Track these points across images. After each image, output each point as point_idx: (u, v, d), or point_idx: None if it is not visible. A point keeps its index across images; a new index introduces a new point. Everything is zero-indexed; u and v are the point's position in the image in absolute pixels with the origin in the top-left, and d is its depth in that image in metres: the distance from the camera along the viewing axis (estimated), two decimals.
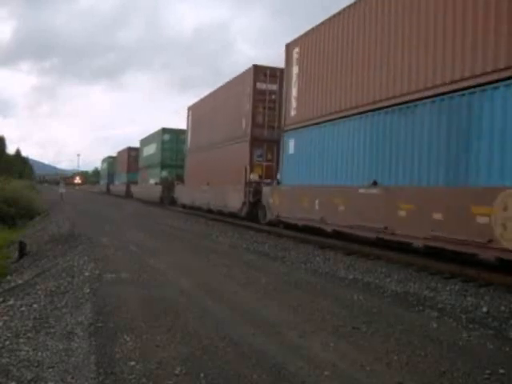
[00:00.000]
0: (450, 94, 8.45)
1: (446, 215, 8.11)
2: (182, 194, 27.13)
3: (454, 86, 8.36)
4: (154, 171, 35.37)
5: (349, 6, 11.67)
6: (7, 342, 4.49)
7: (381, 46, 10.46)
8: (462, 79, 8.22)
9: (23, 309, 5.73)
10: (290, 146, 14.39)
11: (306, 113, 13.49)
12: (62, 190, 41.58)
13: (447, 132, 8.49)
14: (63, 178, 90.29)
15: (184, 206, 26.75)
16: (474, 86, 7.96)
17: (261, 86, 17.54)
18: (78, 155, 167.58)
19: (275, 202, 14.98)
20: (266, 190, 16.03)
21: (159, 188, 31.86)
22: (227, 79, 21.70)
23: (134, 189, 42.65)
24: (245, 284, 7.28)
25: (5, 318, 5.39)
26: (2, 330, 4.91)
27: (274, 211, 15.09)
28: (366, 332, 4.97)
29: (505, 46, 7.45)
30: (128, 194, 43.58)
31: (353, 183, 11.15)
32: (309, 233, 13.24)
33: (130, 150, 47.13)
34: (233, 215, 19.01)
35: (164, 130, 34.13)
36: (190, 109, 26.85)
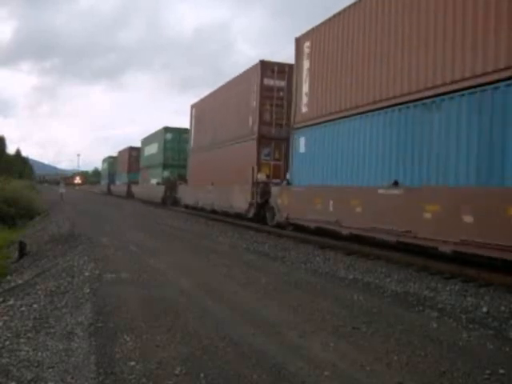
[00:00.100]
0: (483, 87, 7.78)
1: (478, 217, 7.49)
2: (185, 194, 26.48)
3: (487, 79, 7.68)
4: (156, 171, 34.80)
5: None
6: (7, 342, 4.49)
7: (396, 38, 9.82)
8: (494, 71, 7.53)
9: (23, 309, 5.73)
10: (301, 144, 13.70)
11: (319, 109, 12.81)
12: (61, 190, 41.60)
13: (478, 128, 7.85)
14: (63, 178, 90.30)
15: (187, 207, 26.15)
16: (510, 78, 7.32)
17: (268, 82, 16.89)
18: (78, 155, 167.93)
19: (285, 203, 14.35)
20: (274, 190, 15.36)
21: (161, 188, 31.28)
22: (228, 79, 21.39)
23: (135, 189, 42.23)
24: (245, 284, 7.28)
25: (5, 317, 5.39)
26: (2, 329, 4.92)
27: (283, 212, 14.43)
28: (365, 332, 4.97)
29: None
30: (129, 195, 43.17)
31: (370, 183, 10.53)
32: (322, 235, 12.68)
33: (131, 149, 46.71)
34: (239, 216, 18.36)
35: (166, 129, 33.50)
36: (193, 107, 26.11)
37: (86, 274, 7.69)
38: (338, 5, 13.61)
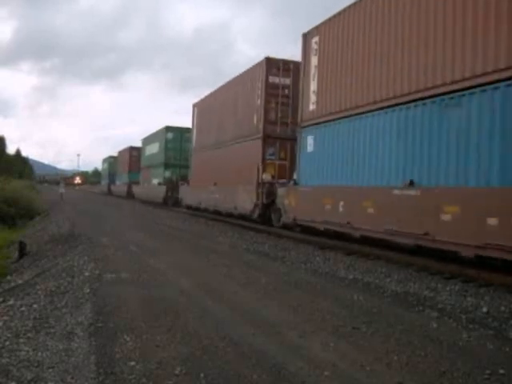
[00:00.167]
0: (507, 82, 7.40)
1: (504, 220, 7.08)
2: (187, 194, 25.94)
3: (510, 73, 7.30)
4: (157, 171, 34.34)
5: None
6: (7, 342, 4.49)
7: (418, 28, 9.27)
8: None
9: (23, 309, 5.73)
10: (309, 143, 13.22)
11: (328, 107, 12.36)
12: (61, 190, 41.62)
13: (501, 125, 7.47)
14: (63, 178, 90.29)
15: (189, 208, 25.58)
16: None
17: (273, 79, 16.44)
18: (78, 155, 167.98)
19: (292, 204, 13.85)
20: (281, 190, 14.91)
21: (163, 188, 30.88)
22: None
23: (135, 189, 41.83)
24: (245, 284, 7.28)
25: (5, 318, 5.39)
26: (2, 330, 4.92)
27: (290, 214, 13.98)
28: (365, 332, 4.97)
29: None
30: (129, 195, 42.79)
31: (384, 183, 10.04)
32: (332, 238, 12.28)
33: (131, 149, 46.35)
34: (243, 217, 17.86)
35: (167, 129, 33.00)
36: (195, 106, 25.55)
37: (86, 273, 7.69)
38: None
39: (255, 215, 16.51)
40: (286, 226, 14.76)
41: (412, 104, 9.39)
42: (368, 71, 10.90)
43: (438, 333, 5.04)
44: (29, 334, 4.72)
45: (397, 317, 5.64)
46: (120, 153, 54.15)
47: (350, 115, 11.43)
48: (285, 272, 8.51)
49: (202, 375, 3.76)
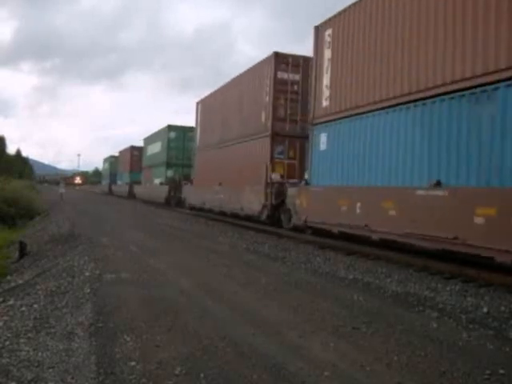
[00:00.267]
0: None
1: None
2: (191, 194, 25.14)
3: None
4: (159, 171, 33.85)
5: None
6: (7, 342, 4.50)
7: (445, 18, 8.61)
8: None
9: (23, 309, 5.74)
10: (322, 141, 12.53)
11: (343, 103, 11.69)
12: (61, 190, 41.62)
13: None
14: (63, 178, 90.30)
15: (192, 208, 24.77)
16: None
17: (282, 75, 15.78)
18: (78, 155, 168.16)
19: (303, 205, 13.11)
20: (291, 191, 14.22)
21: (165, 188, 30.22)
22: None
23: (137, 189, 41.25)
24: (245, 284, 7.28)
25: (5, 318, 5.40)
26: (3, 330, 4.92)
27: (301, 215, 13.22)
28: (366, 332, 4.98)
29: None
30: (131, 195, 42.35)
31: (406, 183, 9.38)
32: (348, 240, 11.60)
33: (132, 148, 46.02)
34: (250, 219, 17.15)
35: (170, 127, 32.47)
36: (199, 103, 24.84)
37: (87, 274, 7.69)
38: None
39: (263, 216, 15.83)
40: (296, 228, 14.13)
41: (438, 98, 8.72)
42: (382, 66, 10.29)
43: (438, 333, 5.04)
44: (29, 334, 4.73)
45: (397, 317, 5.64)
46: (121, 152, 53.81)
47: (369, 111, 10.70)
48: (285, 272, 8.51)
49: (201, 375, 3.76)
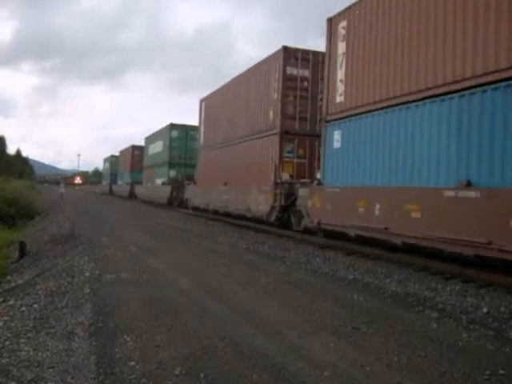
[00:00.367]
0: None
1: None
2: (194, 195, 24.40)
3: None
4: (161, 170, 33.23)
5: None
6: (7, 342, 4.50)
7: (475, 3, 7.95)
8: None
9: (23, 309, 5.74)
10: (335, 138, 11.90)
11: (359, 98, 11.08)
12: (61, 190, 41.62)
13: None
14: (63, 178, 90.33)
15: (196, 209, 24.01)
16: None
17: (291, 71, 15.11)
18: (78, 155, 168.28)
19: (316, 206, 12.42)
20: (302, 191, 13.51)
21: (167, 188, 29.63)
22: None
23: (138, 189, 40.66)
24: (245, 284, 7.28)
25: (5, 318, 5.40)
26: (3, 330, 4.92)
27: (313, 217, 12.52)
28: (365, 332, 4.98)
29: None
30: (132, 195, 41.82)
31: (430, 184, 8.78)
32: (365, 244, 11.02)
33: (133, 148, 45.52)
34: (257, 220, 16.47)
35: (172, 126, 31.80)
36: (202, 101, 24.17)
37: (86, 274, 7.69)
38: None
39: (272, 218, 15.11)
40: (307, 231, 13.46)
41: (467, 92, 8.15)
42: (404, 58, 9.64)
43: (438, 333, 5.04)
44: (29, 334, 4.72)
45: (397, 317, 5.64)
46: (122, 152, 53.32)
47: (388, 106, 10.07)
48: (285, 272, 8.51)
49: (201, 375, 3.76)
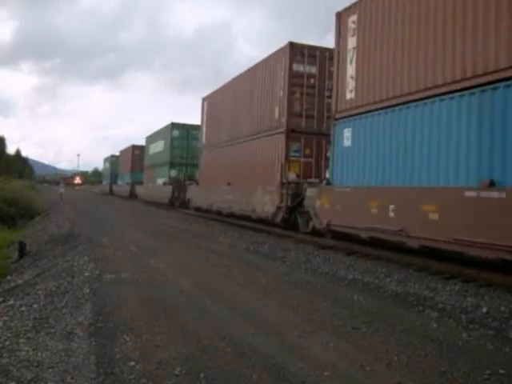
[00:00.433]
0: None
1: None
2: (196, 195, 23.84)
3: None
4: (162, 170, 32.76)
5: None
6: (7, 342, 4.49)
7: None
8: None
9: (23, 309, 5.73)
10: (345, 136, 11.47)
11: (371, 94, 10.63)
12: (61, 190, 41.62)
13: None
14: (63, 178, 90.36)
15: (198, 209, 23.46)
16: None
17: (298, 67, 14.68)
18: (78, 155, 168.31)
19: (325, 207, 11.94)
20: (310, 191, 12.99)
21: (169, 188, 29.03)
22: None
23: (138, 189, 40.19)
24: (244, 284, 7.28)
25: (5, 318, 5.39)
26: (2, 330, 4.91)
27: (322, 218, 12.05)
28: (365, 332, 4.97)
29: None
30: (132, 195, 41.45)
31: (450, 183, 8.35)
32: (378, 247, 10.54)
33: (134, 148, 45.19)
34: (262, 221, 16.03)
35: (173, 125, 31.27)
36: (204, 100, 23.68)
37: (86, 274, 7.69)
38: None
39: (278, 219, 14.62)
40: (315, 233, 12.97)
41: (490, 86, 7.73)
42: (420, 52, 9.19)
43: (438, 333, 5.04)
44: (29, 334, 4.72)
45: (397, 317, 5.64)
46: (122, 152, 52.98)
47: (403, 103, 9.66)
48: (285, 272, 8.51)
49: (201, 375, 3.76)
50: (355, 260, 9.85)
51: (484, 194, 7.52)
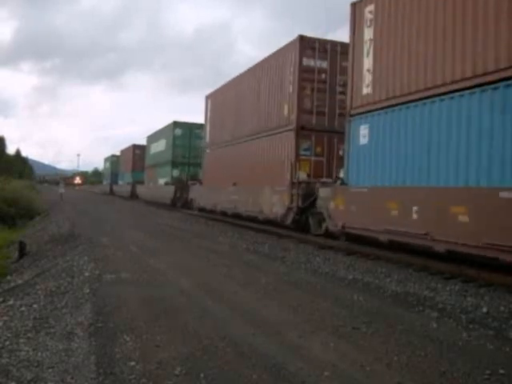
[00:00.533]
0: None
1: None
2: (200, 195, 23.29)
3: None
4: (164, 170, 32.21)
5: None
6: (7, 342, 4.49)
7: None
8: None
9: (23, 309, 5.74)
10: (362, 134, 10.90)
11: (390, 88, 10.01)
12: (61, 190, 41.62)
13: None
14: (63, 178, 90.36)
15: (202, 210, 22.92)
16: None
17: (308, 62, 14.10)
18: (78, 155, 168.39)
19: (340, 208, 11.36)
20: (323, 191, 12.38)
21: (171, 188, 28.46)
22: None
23: (140, 189, 39.67)
24: (245, 284, 7.28)
25: (5, 318, 5.39)
26: (2, 330, 4.92)
27: (337, 220, 11.47)
28: (365, 332, 4.97)
29: None
30: (133, 195, 41.04)
31: (481, 183, 7.81)
32: (399, 251, 9.92)
33: (135, 147, 44.83)
34: (271, 223, 15.46)
35: (176, 124, 30.64)
36: (208, 98, 23.12)
37: (86, 274, 7.69)
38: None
39: (288, 221, 14.04)
40: (328, 235, 12.40)
41: None
42: (448, 42, 8.55)
43: (438, 333, 5.04)
44: (29, 334, 4.72)
45: (397, 317, 5.64)
46: (123, 151, 52.67)
47: (427, 97, 9.03)
48: (285, 272, 8.51)
49: (201, 375, 3.76)
50: (355, 260, 9.85)
51: None
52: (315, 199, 12.90)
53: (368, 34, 10.93)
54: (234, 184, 18.26)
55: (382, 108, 10.33)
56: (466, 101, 8.19)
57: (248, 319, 5.37)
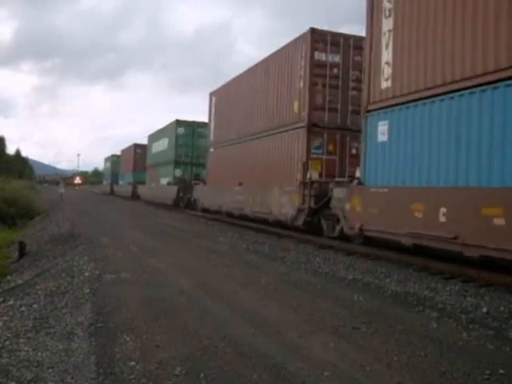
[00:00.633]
0: None
1: None
2: (204, 196, 22.68)
3: None
4: (166, 169, 31.54)
5: None
6: (7, 342, 4.49)
7: None
8: None
9: (23, 309, 5.74)
10: (380, 130, 10.26)
11: (413, 82, 9.32)
12: (61, 190, 41.62)
13: None
14: (63, 179, 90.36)
15: (206, 211, 22.36)
16: None
17: (320, 56, 13.48)
18: (78, 155, 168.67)
19: (356, 210, 10.71)
20: (338, 192, 11.65)
21: (174, 189, 27.83)
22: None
23: (141, 189, 39.22)
24: (245, 284, 7.28)
25: (5, 318, 5.40)
26: (2, 330, 4.92)
27: (354, 222, 10.74)
28: (365, 332, 4.97)
29: None
30: (134, 195, 40.53)
31: None
32: (424, 256, 9.33)
33: (136, 146, 44.37)
34: (280, 224, 14.86)
35: (178, 123, 29.93)
36: (212, 95, 22.48)
37: (86, 274, 7.69)
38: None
39: (299, 222, 13.39)
40: (342, 237, 11.81)
41: None
42: (477, 31, 7.88)
43: (438, 333, 5.04)
44: (29, 334, 4.72)
45: (397, 317, 5.64)
46: (123, 151, 52.25)
47: (455, 90, 8.36)
48: (285, 272, 8.51)
49: (201, 375, 3.76)
50: (355, 260, 9.85)
51: None
52: (329, 200, 12.27)
53: (387, 24, 10.21)
54: (240, 184, 17.75)
55: (402, 103, 9.67)
56: (502, 92, 7.52)
57: (248, 319, 5.37)
